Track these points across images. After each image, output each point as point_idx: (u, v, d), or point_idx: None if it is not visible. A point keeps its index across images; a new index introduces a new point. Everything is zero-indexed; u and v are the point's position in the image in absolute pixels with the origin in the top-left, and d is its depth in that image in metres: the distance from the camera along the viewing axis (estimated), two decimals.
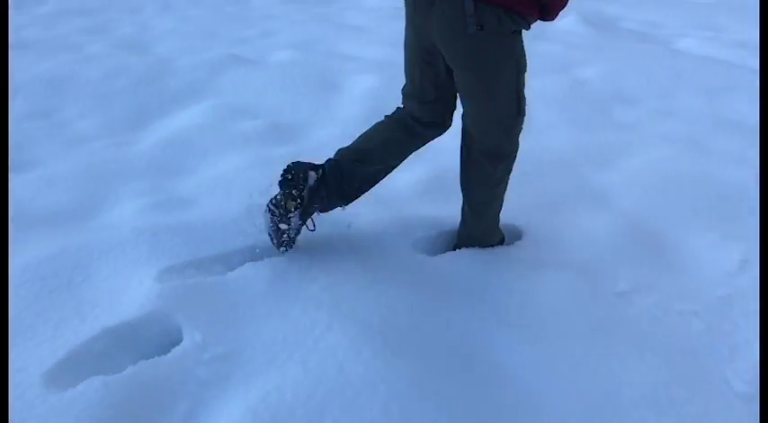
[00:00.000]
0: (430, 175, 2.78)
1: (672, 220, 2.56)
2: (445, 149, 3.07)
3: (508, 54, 1.92)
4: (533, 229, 2.43)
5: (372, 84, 3.86)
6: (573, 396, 1.68)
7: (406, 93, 2.16)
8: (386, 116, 2.22)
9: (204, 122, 3.38)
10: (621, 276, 2.15)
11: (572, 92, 3.79)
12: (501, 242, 2.30)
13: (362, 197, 2.54)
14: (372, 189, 2.67)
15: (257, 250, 2.15)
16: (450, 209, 2.57)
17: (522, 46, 1.98)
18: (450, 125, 2.18)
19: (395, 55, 4.51)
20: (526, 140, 3.24)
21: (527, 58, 1.99)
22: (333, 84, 3.89)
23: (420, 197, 2.65)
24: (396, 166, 2.24)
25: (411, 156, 2.86)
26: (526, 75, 1.99)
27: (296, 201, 1.98)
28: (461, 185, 2.22)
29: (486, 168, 2.13)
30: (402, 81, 2.19)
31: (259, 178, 2.74)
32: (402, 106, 2.20)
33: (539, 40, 4.69)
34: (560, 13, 1.92)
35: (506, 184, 2.22)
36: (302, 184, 1.99)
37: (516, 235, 2.40)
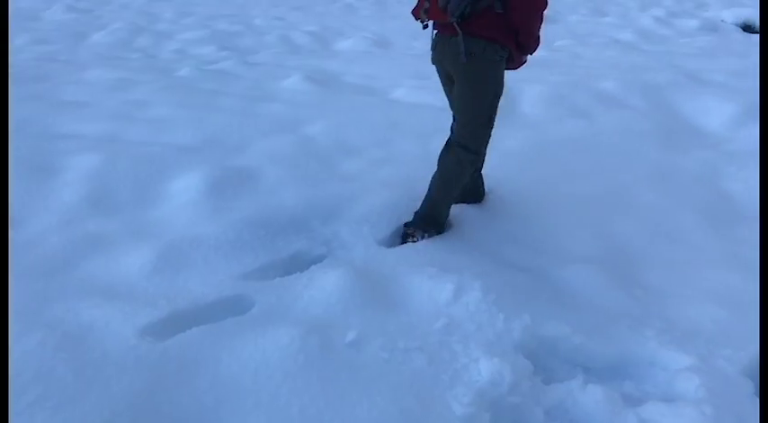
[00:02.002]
0: (158, 253, 2.69)
1: (395, 260, 2.75)
2: (171, 224, 3.02)
3: (490, 78, 2.70)
4: (264, 292, 2.46)
5: (95, 163, 3.65)
6: None
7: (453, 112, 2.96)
8: (442, 149, 2.97)
9: None
10: (351, 326, 2.25)
11: (300, 149, 3.93)
12: (441, 228, 2.99)
13: (88, 290, 2.41)
14: (96, 278, 2.54)
15: None
16: (183, 285, 2.52)
17: (503, 76, 2.74)
18: None
19: (119, 129, 4.37)
20: (259, 201, 3.31)
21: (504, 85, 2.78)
22: (48, 168, 3.61)
23: (148, 278, 2.55)
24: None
25: (135, 234, 2.76)
26: (502, 99, 2.77)
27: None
28: (438, 166, 2.97)
29: (458, 155, 2.89)
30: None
31: None
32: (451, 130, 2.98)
33: (266, 102, 4.83)
34: (534, 53, 2.76)
35: (465, 176, 2.97)
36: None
37: (249, 302, 2.41)
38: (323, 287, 2.47)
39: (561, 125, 4.44)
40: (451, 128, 3.01)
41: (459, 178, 2.94)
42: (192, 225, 2.99)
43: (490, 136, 2.90)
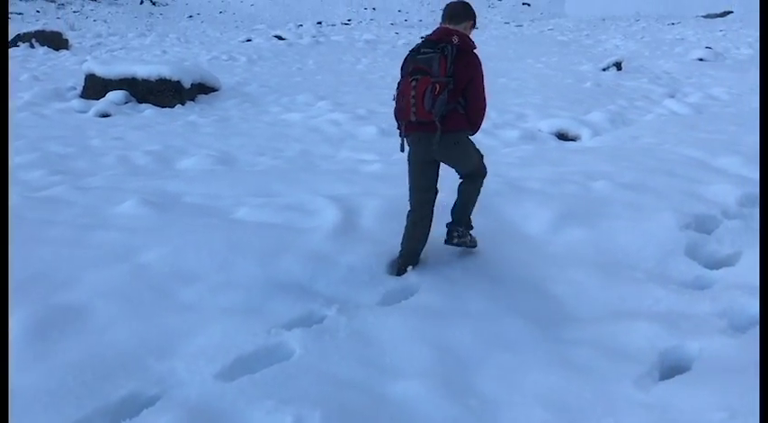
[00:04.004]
0: None
1: (233, 394, 2.69)
2: None
3: (470, 146, 4.07)
4: None
5: None
6: None
7: (413, 189, 4.19)
8: (411, 220, 4.25)
9: None
10: None
11: (133, 279, 3.80)
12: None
13: None
14: None
15: None
16: None
17: (471, 141, 4.07)
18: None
19: None
20: (87, 341, 3.13)
21: None
22: None
23: None
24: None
25: None
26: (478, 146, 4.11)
27: None
28: (459, 194, 4.30)
29: (477, 181, 4.25)
30: None
31: None
32: (411, 203, 4.24)
33: (99, 230, 4.64)
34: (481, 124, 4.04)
35: (479, 191, 4.29)
36: None
37: None
38: None
39: (398, 238, 4.62)
40: (460, 178, 4.27)
41: (479, 191, 4.30)
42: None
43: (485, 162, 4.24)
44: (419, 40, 3.97)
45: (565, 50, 23.42)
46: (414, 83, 3.70)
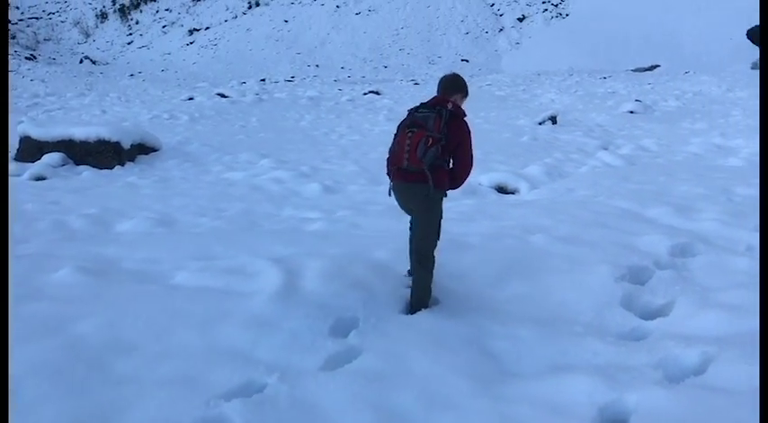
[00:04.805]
0: None
1: None
2: None
3: (438, 209, 4.43)
4: None
5: None
6: None
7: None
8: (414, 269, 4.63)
9: None
10: None
11: (66, 353, 3.66)
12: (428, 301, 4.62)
13: None
14: None
15: None
16: None
17: (442, 206, 4.47)
18: None
19: None
20: None
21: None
22: None
23: None
24: None
25: None
26: (442, 220, 4.53)
27: None
28: (413, 275, 4.66)
29: (423, 264, 4.54)
30: None
31: None
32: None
33: (30, 301, 4.47)
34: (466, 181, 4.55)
35: (431, 272, 4.58)
36: None
37: None
38: None
39: (341, 299, 4.61)
40: (410, 240, 4.73)
41: (429, 275, 4.58)
42: None
43: (437, 244, 4.58)
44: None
45: (503, 105, 24.19)
46: (410, 134, 4.24)
